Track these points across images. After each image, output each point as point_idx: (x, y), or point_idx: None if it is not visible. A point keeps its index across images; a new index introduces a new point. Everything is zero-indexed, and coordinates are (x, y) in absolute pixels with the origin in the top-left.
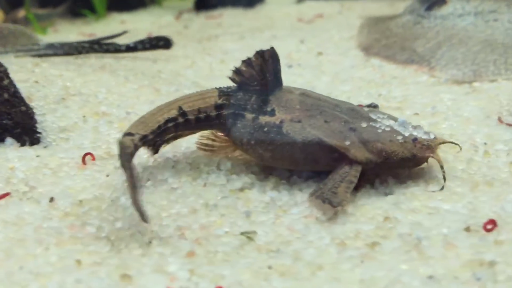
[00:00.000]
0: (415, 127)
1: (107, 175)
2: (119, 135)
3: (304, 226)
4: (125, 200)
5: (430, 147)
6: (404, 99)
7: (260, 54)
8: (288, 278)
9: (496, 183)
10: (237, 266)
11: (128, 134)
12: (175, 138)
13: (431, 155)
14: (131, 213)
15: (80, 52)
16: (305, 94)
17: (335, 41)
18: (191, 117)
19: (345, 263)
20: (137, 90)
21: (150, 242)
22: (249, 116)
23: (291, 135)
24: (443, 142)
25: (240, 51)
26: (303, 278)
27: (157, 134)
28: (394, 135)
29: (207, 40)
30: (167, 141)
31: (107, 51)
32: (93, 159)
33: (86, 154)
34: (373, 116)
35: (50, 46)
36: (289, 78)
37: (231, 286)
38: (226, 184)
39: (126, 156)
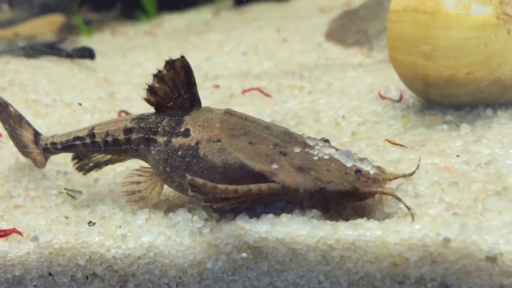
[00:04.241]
0: (361, 160)
1: None
2: (31, 117)
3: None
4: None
5: (376, 181)
6: (316, 79)
7: (170, 64)
8: (73, 227)
9: None
10: (42, 216)
11: (52, 135)
12: (106, 163)
13: (379, 190)
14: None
15: (39, 54)
16: (229, 112)
17: (311, 29)
18: (98, 139)
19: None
20: (83, 80)
21: None
22: (161, 140)
23: (209, 157)
24: (394, 178)
25: (211, 42)
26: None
27: (65, 147)
28: (333, 164)
29: (198, 34)
30: (98, 166)
31: (53, 54)
32: (0, 136)
33: None
34: (310, 142)
35: (22, 48)
36: (238, 65)
37: (23, 228)
38: None
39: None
